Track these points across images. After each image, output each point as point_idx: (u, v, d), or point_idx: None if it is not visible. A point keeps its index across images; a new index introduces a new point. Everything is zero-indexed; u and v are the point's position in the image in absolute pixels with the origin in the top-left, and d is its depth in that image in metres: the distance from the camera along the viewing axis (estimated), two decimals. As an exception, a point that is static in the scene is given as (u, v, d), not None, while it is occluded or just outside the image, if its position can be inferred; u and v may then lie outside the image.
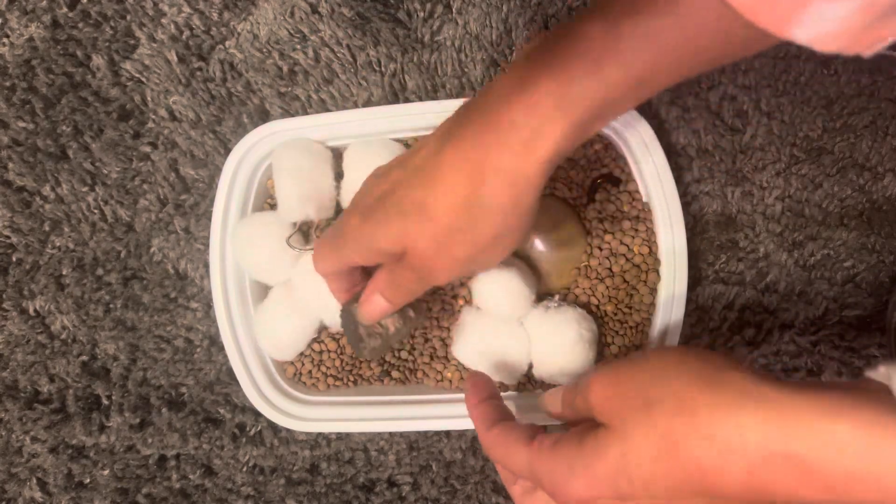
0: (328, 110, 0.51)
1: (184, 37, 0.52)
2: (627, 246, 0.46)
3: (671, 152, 0.48)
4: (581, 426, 0.31)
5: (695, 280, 0.48)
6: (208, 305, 0.53)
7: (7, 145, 0.55)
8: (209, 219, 0.50)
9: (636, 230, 0.46)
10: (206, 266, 0.52)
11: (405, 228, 0.33)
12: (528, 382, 0.47)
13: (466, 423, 0.45)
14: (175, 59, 0.52)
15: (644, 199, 0.46)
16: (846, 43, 0.21)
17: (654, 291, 0.46)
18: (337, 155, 0.48)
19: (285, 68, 0.51)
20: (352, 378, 0.48)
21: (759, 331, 0.48)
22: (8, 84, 0.54)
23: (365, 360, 0.47)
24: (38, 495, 0.55)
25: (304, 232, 0.48)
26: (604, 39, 0.28)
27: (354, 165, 0.47)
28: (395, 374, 0.48)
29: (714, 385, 0.26)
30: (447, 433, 0.51)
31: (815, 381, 0.26)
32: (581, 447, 0.29)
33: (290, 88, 0.51)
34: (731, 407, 0.25)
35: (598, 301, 0.46)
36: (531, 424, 0.34)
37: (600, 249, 0.46)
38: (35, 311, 0.55)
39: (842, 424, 0.23)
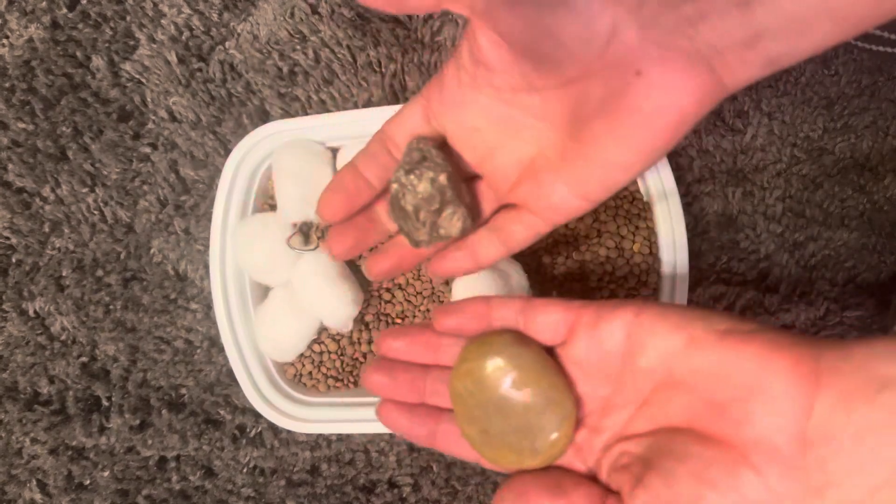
0: (328, 111, 0.51)
1: (183, 37, 0.52)
2: (628, 246, 0.46)
3: (672, 152, 0.48)
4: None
5: (696, 280, 0.48)
6: (208, 307, 0.52)
7: (7, 146, 0.55)
8: (209, 220, 0.50)
9: (637, 230, 0.46)
10: (206, 267, 0.52)
11: None
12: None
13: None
14: (175, 59, 0.52)
15: (644, 199, 0.46)
16: None
17: (655, 292, 0.45)
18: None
19: (285, 69, 0.51)
20: (352, 379, 0.48)
21: (760, 331, 0.48)
22: (7, 85, 0.54)
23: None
24: (38, 497, 0.55)
25: (304, 233, 0.48)
26: None
27: None
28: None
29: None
30: (448, 434, 0.51)
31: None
32: None
33: (290, 89, 0.51)
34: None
35: (599, 302, 0.46)
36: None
37: (600, 249, 0.46)
38: (35, 312, 0.55)
39: None
